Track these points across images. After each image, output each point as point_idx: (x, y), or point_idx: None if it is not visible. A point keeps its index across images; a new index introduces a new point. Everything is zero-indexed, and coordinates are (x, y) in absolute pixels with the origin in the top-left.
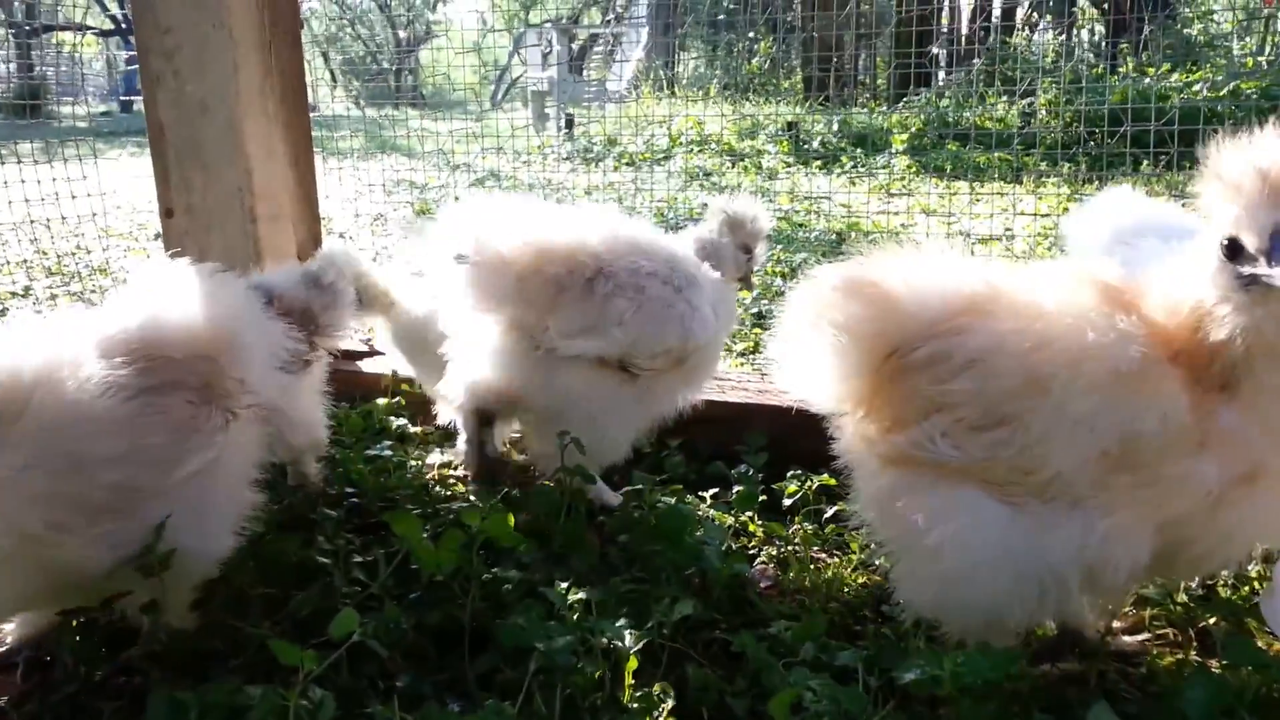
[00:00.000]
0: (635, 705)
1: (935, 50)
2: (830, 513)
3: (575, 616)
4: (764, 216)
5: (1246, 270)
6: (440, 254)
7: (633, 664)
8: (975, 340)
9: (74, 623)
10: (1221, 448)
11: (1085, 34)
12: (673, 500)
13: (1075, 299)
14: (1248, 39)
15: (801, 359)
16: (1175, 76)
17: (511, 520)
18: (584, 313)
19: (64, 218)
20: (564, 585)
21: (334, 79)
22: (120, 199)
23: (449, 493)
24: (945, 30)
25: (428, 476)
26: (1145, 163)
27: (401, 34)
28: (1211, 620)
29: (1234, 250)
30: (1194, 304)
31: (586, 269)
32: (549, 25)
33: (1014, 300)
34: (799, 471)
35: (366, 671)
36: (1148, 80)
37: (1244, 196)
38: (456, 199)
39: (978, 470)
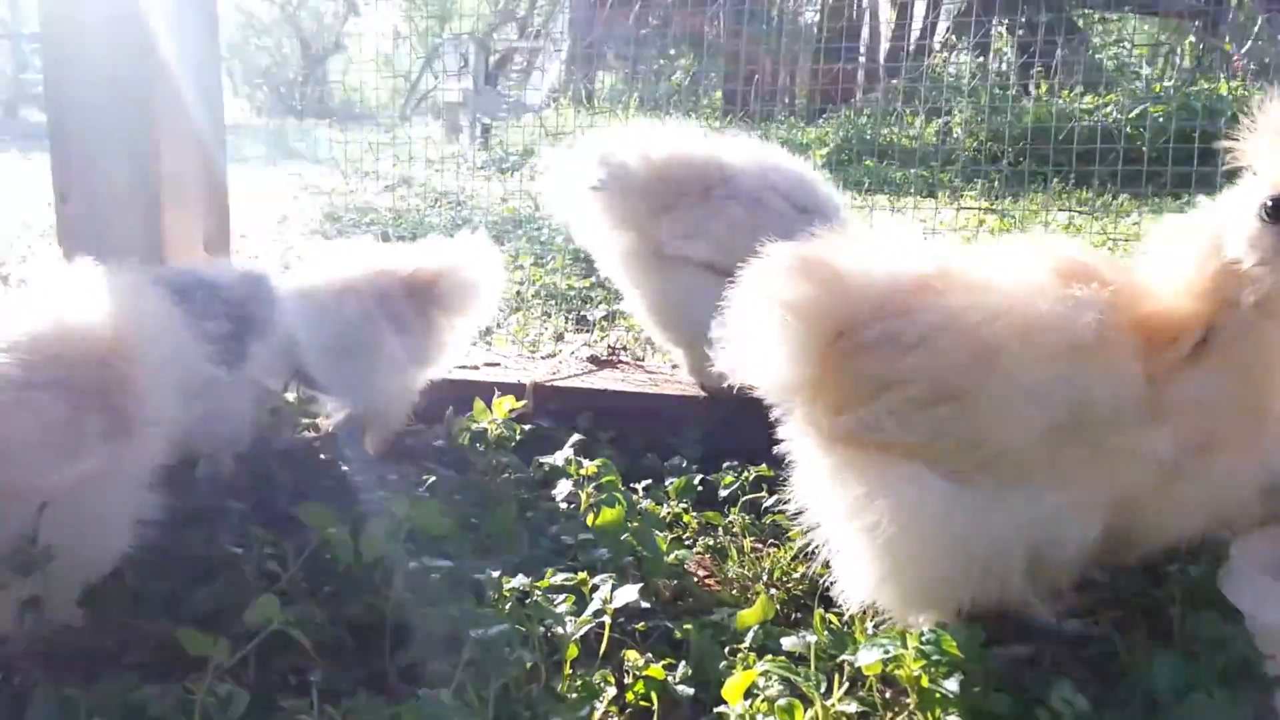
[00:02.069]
0: (574, 695)
1: (854, 67)
2: (769, 503)
3: (508, 607)
4: None
5: None
6: (575, 182)
7: (573, 652)
8: (925, 317)
9: None
10: (1178, 418)
11: (1000, 58)
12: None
13: (1029, 272)
14: (1152, 68)
15: (750, 341)
16: (1087, 100)
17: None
18: (696, 217)
19: None
20: (496, 574)
21: (235, 90)
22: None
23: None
24: (863, 52)
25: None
26: (1056, 180)
27: (311, 45)
28: (1162, 601)
29: (1277, 212)
30: (1221, 267)
31: (710, 177)
32: (465, 38)
33: (966, 277)
34: (735, 463)
35: (278, 666)
36: (1060, 103)
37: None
38: (364, 205)
39: (925, 448)
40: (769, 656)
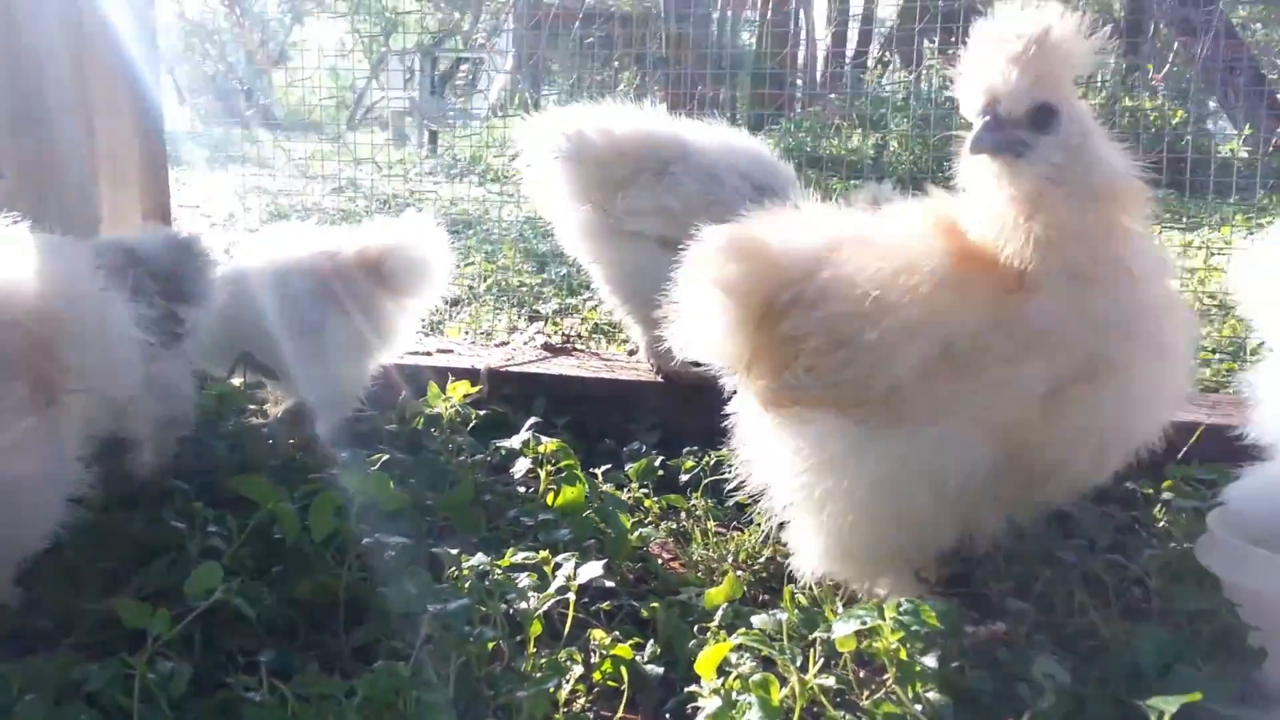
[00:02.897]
0: (540, 674)
1: (793, 81)
2: (731, 487)
3: (468, 584)
4: None
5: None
6: (537, 151)
7: (537, 628)
8: (823, 274)
9: None
10: (1046, 348)
11: (934, 75)
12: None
13: (908, 226)
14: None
15: (691, 319)
16: None
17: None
18: (653, 192)
19: None
20: (454, 552)
21: (181, 98)
22: None
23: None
24: (801, 67)
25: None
26: None
27: (256, 54)
28: (1137, 576)
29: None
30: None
31: (670, 153)
32: (411, 49)
33: (861, 235)
34: (695, 447)
35: (224, 645)
36: None
37: (973, 66)
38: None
39: (831, 396)
40: (741, 631)
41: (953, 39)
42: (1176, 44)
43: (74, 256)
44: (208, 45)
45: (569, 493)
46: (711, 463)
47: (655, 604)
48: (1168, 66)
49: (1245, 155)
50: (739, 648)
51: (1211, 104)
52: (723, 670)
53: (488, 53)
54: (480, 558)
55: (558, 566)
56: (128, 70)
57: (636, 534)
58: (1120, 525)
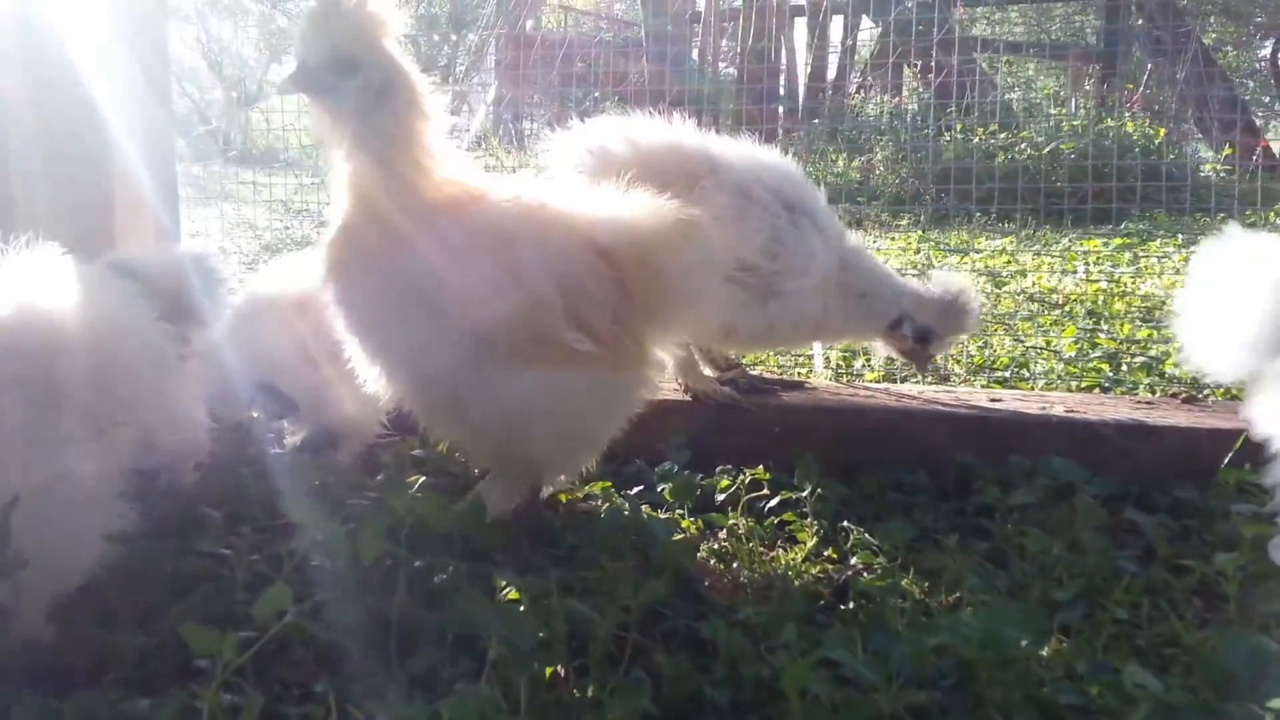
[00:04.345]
0: (609, 697)
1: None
2: (772, 504)
3: (524, 607)
4: (969, 309)
5: None
6: (561, 164)
7: (602, 649)
8: None
9: None
10: None
11: (915, 100)
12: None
13: None
14: (1060, 109)
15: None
16: (1002, 136)
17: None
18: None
19: None
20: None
21: None
22: None
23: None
24: (783, 93)
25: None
26: (978, 214)
27: (232, 92)
28: (1195, 584)
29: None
30: None
31: (698, 168)
32: None
33: None
34: (728, 466)
35: (274, 677)
36: (976, 140)
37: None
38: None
39: None
40: (820, 645)
41: (931, 64)
42: (1150, 66)
43: (121, 287)
44: (184, 83)
45: (609, 520)
46: (748, 481)
47: (717, 624)
48: (1141, 89)
49: (1223, 175)
50: (818, 664)
51: (1187, 126)
52: (802, 690)
53: (468, 86)
54: (535, 579)
55: (616, 587)
56: (142, 91)
57: (684, 559)
58: (1174, 533)
